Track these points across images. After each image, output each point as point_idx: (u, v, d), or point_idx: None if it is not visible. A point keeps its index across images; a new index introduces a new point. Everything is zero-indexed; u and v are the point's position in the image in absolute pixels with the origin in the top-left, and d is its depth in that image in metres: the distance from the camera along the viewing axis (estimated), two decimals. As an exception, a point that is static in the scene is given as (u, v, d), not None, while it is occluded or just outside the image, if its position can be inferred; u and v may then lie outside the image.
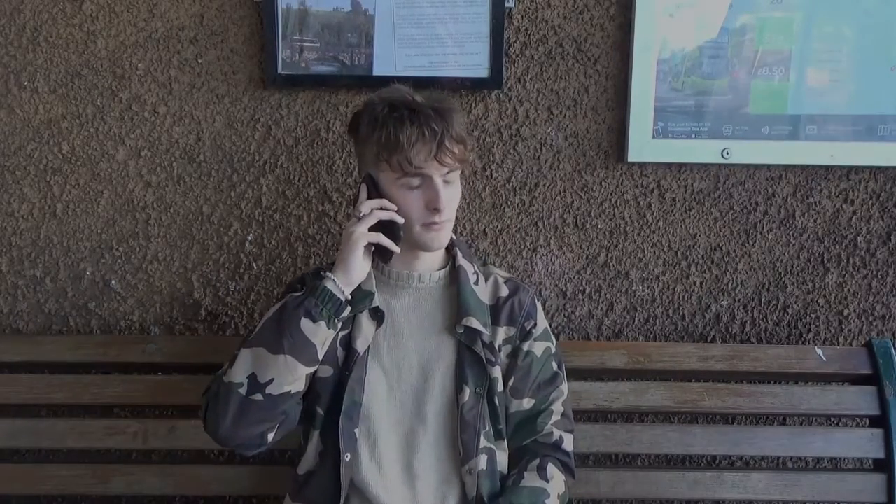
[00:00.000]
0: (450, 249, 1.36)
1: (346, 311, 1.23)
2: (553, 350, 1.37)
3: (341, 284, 1.22)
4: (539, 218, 1.66)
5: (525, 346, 1.34)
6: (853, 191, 1.65)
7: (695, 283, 1.69)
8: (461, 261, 1.35)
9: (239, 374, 1.19)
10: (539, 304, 1.40)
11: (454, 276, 1.34)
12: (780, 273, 1.68)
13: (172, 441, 1.53)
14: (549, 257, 1.67)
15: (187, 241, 1.66)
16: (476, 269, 1.37)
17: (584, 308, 1.68)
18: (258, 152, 1.63)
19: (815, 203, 1.66)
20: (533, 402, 1.33)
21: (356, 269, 1.23)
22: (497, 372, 1.30)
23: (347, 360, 1.27)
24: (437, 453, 1.28)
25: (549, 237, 1.66)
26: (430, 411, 1.28)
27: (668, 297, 1.69)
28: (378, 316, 1.30)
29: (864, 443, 1.54)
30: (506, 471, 1.32)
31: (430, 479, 1.27)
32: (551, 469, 1.30)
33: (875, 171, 1.64)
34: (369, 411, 1.27)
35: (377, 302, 1.29)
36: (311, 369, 1.23)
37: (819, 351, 1.57)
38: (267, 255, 1.66)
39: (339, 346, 1.28)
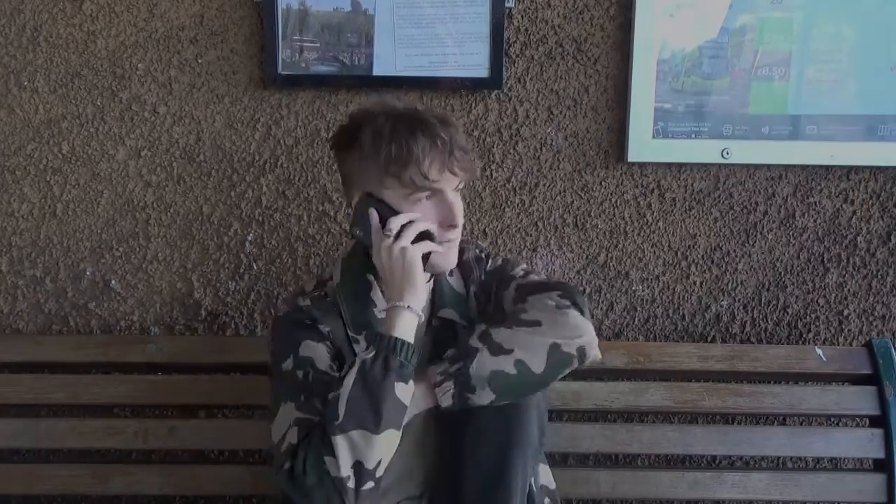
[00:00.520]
0: None
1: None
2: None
3: (416, 307, 1.12)
4: (539, 218, 1.66)
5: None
6: (853, 191, 1.65)
7: (695, 283, 1.69)
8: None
9: (344, 466, 1.05)
10: (518, 263, 1.34)
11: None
12: (780, 273, 1.68)
13: (172, 441, 1.53)
14: (549, 257, 1.67)
15: (187, 241, 1.66)
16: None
17: (584, 308, 1.68)
18: (258, 152, 1.63)
19: (815, 203, 1.66)
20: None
21: (423, 285, 1.14)
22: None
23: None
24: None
25: (549, 237, 1.66)
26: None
27: (668, 297, 1.69)
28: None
29: (864, 443, 1.53)
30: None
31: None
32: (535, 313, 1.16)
33: (875, 171, 1.64)
34: None
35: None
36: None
37: (819, 351, 1.57)
38: (267, 255, 1.66)
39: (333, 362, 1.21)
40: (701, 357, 1.57)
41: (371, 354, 1.08)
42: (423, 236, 1.16)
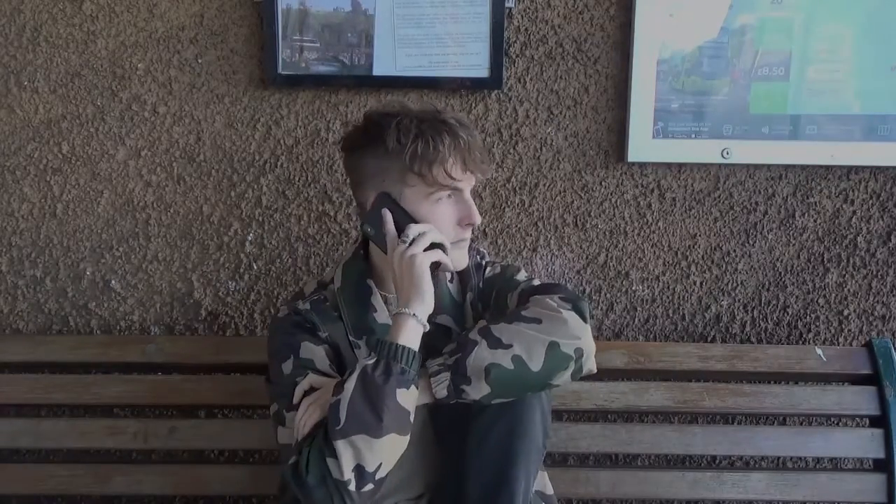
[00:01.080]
0: None
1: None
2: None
3: (421, 315, 1.12)
4: (539, 218, 1.66)
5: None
6: (853, 191, 1.65)
7: (695, 283, 1.69)
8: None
9: (346, 469, 1.05)
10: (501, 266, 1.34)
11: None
12: (780, 273, 1.68)
13: (172, 441, 1.53)
14: (549, 257, 1.67)
15: (187, 241, 1.66)
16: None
17: (584, 308, 1.68)
18: (258, 152, 1.63)
19: (815, 203, 1.66)
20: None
21: (430, 294, 1.14)
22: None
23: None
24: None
25: (549, 237, 1.66)
26: None
27: (668, 297, 1.69)
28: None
29: (864, 443, 1.54)
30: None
31: None
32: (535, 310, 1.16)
33: (875, 171, 1.64)
34: None
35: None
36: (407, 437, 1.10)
37: (819, 351, 1.57)
38: (267, 255, 1.66)
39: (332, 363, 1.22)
40: (701, 357, 1.57)
41: (373, 360, 1.08)
42: (435, 247, 1.16)
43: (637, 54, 1.57)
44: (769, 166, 1.64)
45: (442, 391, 1.11)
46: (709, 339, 1.71)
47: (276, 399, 1.19)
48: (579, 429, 1.54)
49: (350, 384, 1.07)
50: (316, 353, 1.19)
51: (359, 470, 1.06)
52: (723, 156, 1.61)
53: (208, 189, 1.64)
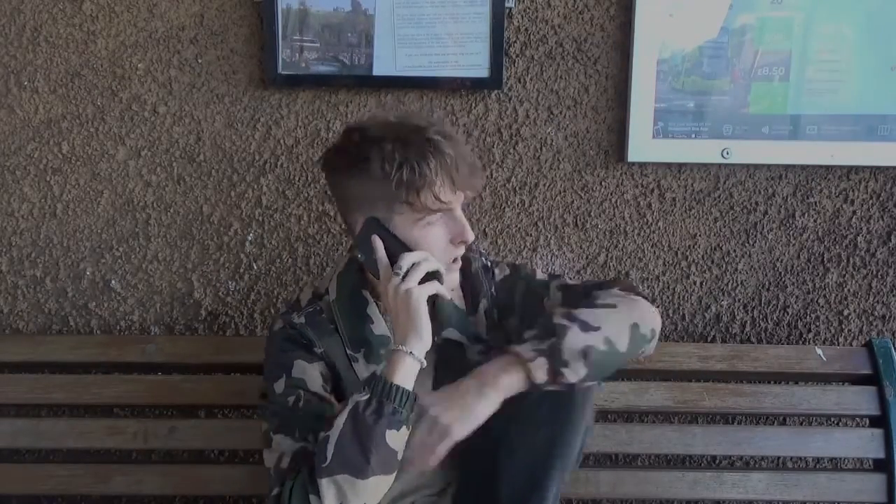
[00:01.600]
0: None
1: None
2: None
3: (418, 353, 1.10)
4: (539, 218, 1.66)
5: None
6: (853, 191, 1.65)
7: (695, 283, 1.69)
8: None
9: None
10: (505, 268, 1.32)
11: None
12: (780, 273, 1.68)
13: (172, 441, 1.53)
14: (549, 257, 1.67)
15: (187, 241, 1.66)
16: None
17: (584, 308, 1.68)
18: (258, 152, 1.63)
19: (815, 203, 1.66)
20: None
21: (427, 330, 1.11)
22: None
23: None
24: None
25: (549, 237, 1.66)
26: None
27: (668, 297, 1.69)
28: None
29: (864, 443, 1.54)
30: None
31: None
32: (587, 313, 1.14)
33: (875, 171, 1.64)
34: None
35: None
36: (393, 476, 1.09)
37: (819, 351, 1.57)
38: (267, 255, 1.66)
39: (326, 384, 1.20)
40: (701, 357, 1.56)
41: (365, 397, 1.06)
42: (430, 276, 1.13)
43: (637, 54, 1.57)
44: (769, 166, 1.64)
45: (542, 375, 1.08)
46: (709, 339, 1.71)
47: (265, 418, 1.17)
48: (579, 429, 1.54)
49: (340, 420, 1.05)
50: (308, 371, 1.17)
51: None
52: (723, 156, 1.61)
53: (208, 189, 1.64)
